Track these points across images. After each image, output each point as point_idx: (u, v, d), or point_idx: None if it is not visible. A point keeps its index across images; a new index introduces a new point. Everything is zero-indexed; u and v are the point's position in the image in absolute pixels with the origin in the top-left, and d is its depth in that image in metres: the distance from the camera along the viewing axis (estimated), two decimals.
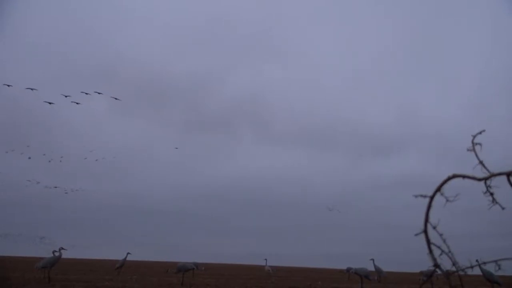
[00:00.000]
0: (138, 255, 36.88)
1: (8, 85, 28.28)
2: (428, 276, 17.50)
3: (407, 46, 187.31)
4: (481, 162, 2.53)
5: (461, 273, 2.41)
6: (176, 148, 33.40)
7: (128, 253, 25.13)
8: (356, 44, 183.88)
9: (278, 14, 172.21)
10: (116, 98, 30.63)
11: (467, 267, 2.41)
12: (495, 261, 2.41)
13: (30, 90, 28.39)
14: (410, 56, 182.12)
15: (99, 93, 29.27)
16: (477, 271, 3.09)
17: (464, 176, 2.34)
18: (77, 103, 30.20)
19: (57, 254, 18.04)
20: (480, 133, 2.69)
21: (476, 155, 2.58)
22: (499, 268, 2.39)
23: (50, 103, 29.86)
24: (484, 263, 2.51)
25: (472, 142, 2.64)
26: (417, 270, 27.02)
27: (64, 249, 18.29)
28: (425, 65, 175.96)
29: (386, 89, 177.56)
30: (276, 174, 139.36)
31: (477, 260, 2.54)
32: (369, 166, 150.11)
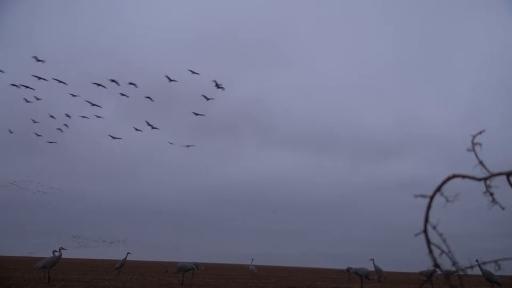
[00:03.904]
0: (138, 255, 36.91)
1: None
2: (428, 276, 17.52)
3: (407, 51, 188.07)
4: (481, 162, 2.53)
5: (461, 273, 2.41)
6: (171, 143, 33.30)
7: (128, 253, 25.15)
8: (357, 50, 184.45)
9: (282, 22, 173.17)
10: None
11: (467, 267, 2.41)
12: (495, 261, 2.41)
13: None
14: (410, 61, 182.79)
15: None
16: (477, 271, 3.09)
17: (464, 176, 2.34)
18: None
19: (57, 254, 18.03)
20: (480, 133, 2.69)
21: (476, 155, 2.58)
22: (499, 268, 2.39)
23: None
24: (484, 263, 2.51)
25: (472, 142, 2.64)
26: (417, 270, 27.04)
27: (64, 249, 18.28)
28: (424, 69, 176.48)
29: (386, 93, 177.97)
30: (278, 176, 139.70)
31: (477, 260, 2.54)
32: (369, 168, 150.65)
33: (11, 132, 32.67)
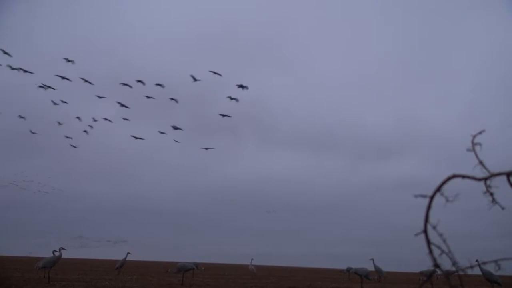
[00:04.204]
0: (138, 255, 36.89)
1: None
2: (428, 276, 17.52)
3: (406, 51, 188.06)
4: (481, 162, 2.53)
5: (461, 273, 2.41)
6: (177, 141, 33.25)
7: (128, 253, 25.15)
8: (357, 50, 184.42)
9: (282, 22, 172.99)
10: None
11: (467, 267, 2.41)
12: (495, 261, 2.40)
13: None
14: (410, 61, 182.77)
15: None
16: (477, 271, 3.09)
17: (464, 176, 2.34)
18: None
19: (57, 254, 18.03)
20: (480, 133, 2.69)
21: (476, 155, 2.58)
22: (499, 268, 2.39)
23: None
24: (484, 263, 2.51)
25: (472, 142, 2.64)
26: (417, 270, 27.04)
27: (64, 249, 18.28)
28: (424, 69, 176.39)
29: (386, 93, 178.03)
30: (278, 176, 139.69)
31: (477, 260, 2.54)
32: (369, 168, 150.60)
33: (33, 133, 32.22)
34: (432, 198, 2.32)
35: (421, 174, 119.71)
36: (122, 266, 25.49)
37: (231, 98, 28.81)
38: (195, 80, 28.71)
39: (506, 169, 2.31)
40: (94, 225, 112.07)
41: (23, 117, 31.02)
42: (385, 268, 25.97)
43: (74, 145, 34.84)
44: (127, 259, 25.30)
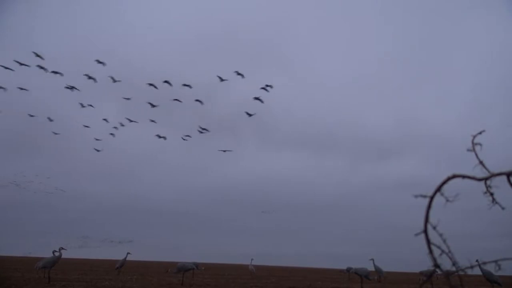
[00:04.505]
0: (138, 255, 36.89)
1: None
2: (428, 276, 17.52)
3: (406, 52, 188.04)
4: (481, 162, 2.53)
5: (461, 273, 2.41)
6: (184, 139, 33.19)
7: (128, 253, 25.16)
8: (357, 50, 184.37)
9: (282, 22, 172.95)
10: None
11: (467, 267, 2.41)
12: (495, 261, 2.40)
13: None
14: (410, 61, 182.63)
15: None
16: (477, 271, 3.09)
17: (464, 176, 2.34)
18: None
19: (57, 254, 18.03)
20: (480, 133, 2.69)
21: (476, 155, 2.59)
22: (499, 268, 2.39)
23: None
24: (484, 263, 2.51)
25: (472, 142, 2.64)
26: (417, 270, 27.05)
27: (64, 249, 18.28)
28: (424, 69, 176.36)
29: (386, 94, 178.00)
30: (279, 176, 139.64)
31: (477, 260, 2.53)
32: (369, 168, 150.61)
33: (51, 120, 31.77)
34: (432, 198, 2.32)
35: (421, 174, 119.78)
36: (122, 266, 25.49)
37: (256, 98, 28.83)
38: (222, 80, 28.61)
39: (506, 169, 2.31)
40: (94, 225, 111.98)
41: (51, 120, 30.91)
42: (385, 268, 25.97)
43: (98, 149, 34.76)
44: (127, 259, 25.31)
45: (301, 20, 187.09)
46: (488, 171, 2.44)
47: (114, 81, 28.78)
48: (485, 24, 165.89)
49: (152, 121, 32.36)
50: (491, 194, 2.49)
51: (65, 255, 18.52)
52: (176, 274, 22.05)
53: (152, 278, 24.13)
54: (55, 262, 18.03)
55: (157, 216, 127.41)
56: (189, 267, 20.37)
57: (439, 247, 2.32)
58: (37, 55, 26.10)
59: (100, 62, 28.10)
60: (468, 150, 2.63)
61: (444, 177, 2.34)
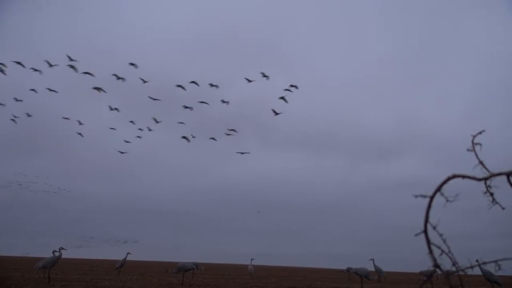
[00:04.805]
0: (138, 255, 36.89)
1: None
2: (428, 276, 17.51)
3: (406, 52, 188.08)
4: (481, 162, 2.53)
5: (461, 273, 2.41)
6: (194, 136, 33.10)
7: (128, 253, 25.16)
8: (357, 50, 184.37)
9: (282, 22, 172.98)
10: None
11: (467, 267, 2.41)
12: (495, 261, 2.40)
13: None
14: (409, 61, 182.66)
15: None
16: (477, 271, 3.09)
17: (464, 176, 2.34)
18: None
19: (57, 254, 18.03)
20: (480, 133, 2.69)
21: (476, 155, 2.59)
22: (499, 268, 2.39)
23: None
24: (484, 263, 2.51)
25: (472, 142, 2.64)
26: (417, 270, 27.05)
27: (64, 249, 18.28)
28: (424, 70, 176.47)
29: (386, 94, 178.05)
30: (279, 177, 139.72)
31: (477, 260, 2.53)
32: (369, 168, 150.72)
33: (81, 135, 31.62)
34: (432, 198, 2.32)
35: (421, 174, 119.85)
36: (122, 266, 25.49)
37: (281, 98, 28.86)
38: (249, 81, 28.54)
39: (506, 169, 2.31)
40: (95, 225, 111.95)
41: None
42: (385, 268, 25.97)
43: (123, 151, 34.74)
44: (127, 259, 25.31)
45: (301, 20, 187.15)
46: (488, 171, 2.44)
47: (144, 81, 28.52)
48: (485, 24, 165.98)
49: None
50: (491, 194, 2.49)
51: (65, 255, 18.52)
52: (176, 274, 22.05)
53: (152, 278, 24.12)
54: (55, 262, 18.03)
55: (157, 216, 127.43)
56: (189, 267, 20.37)
57: (439, 247, 2.32)
58: (71, 59, 26.20)
59: (132, 64, 27.94)
60: (468, 150, 2.63)
61: (444, 177, 2.34)
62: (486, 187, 2.45)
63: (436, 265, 2.31)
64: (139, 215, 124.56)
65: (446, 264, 2.32)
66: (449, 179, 2.34)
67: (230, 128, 31.35)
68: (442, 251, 2.32)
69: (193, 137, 32.09)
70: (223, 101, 30.57)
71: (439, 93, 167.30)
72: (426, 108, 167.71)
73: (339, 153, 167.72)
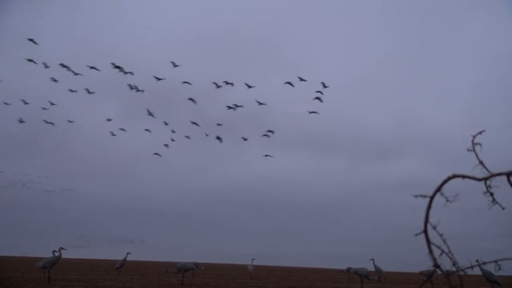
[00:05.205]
0: (138, 255, 36.90)
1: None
2: (428, 276, 17.51)
3: (406, 52, 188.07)
4: (481, 162, 2.53)
5: (461, 273, 2.41)
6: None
7: (128, 253, 25.16)
8: (357, 50, 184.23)
9: (282, 22, 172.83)
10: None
11: (467, 267, 2.41)
12: (495, 261, 2.40)
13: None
14: (409, 61, 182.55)
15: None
16: (477, 271, 3.09)
17: (464, 176, 2.34)
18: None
19: (57, 254, 18.03)
20: (480, 133, 2.69)
21: (476, 155, 2.59)
22: (499, 268, 2.39)
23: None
24: (484, 263, 2.51)
25: (472, 142, 2.64)
26: (417, 270, 27.04)
27: (64, 249, 18.28)
28: (424, 70, 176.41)
29: (386, 94, 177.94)
30: (279, 177, 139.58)
31: (477, 260, 2.53)
32: (369, 168, 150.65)
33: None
34: (432, 198, 2.32)
35: (421, 174, 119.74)
36: (122, 266, 25.49)
37: (316, 98, 29.08)
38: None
39: (506, 169, 2.31)
40: (94, 225, 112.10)
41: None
42: (385, 268, 25.97)
43: (159, 154, 34.84)
44: (127, 259, 25.31)
45: (301, 20, 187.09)
46: (488, 171, 2.44)
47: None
48: (485, 24, 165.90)
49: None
50: (491, 194, 2.49)
51: (65, 255, 18.52)
52: (176, 274, 22.05)
53: (152, 278, 24.12)
54: (55, 262, 18.03)
55: (157, 216, 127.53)
56: (189, 267, 20.36)
57: (439, 247, 2.32)
58: (117, 66, 26.21)
59: (176, 66, 27.82)
60: (468, 150, 2.63)
61: (444, 177, 2.34)
62: (486, 187, 2.45)
63: (436, 265, 2.31)
64: (139, 215, 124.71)
65: (446, 264, 2.32)
66: (449, 179, 2.34)
67: (269, 130, 31.45)
68: (442, 251, 2.32)
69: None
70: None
71: (439, 93, 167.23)
72: (426, 108, 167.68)
73: (339, 153, 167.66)
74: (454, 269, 2.36)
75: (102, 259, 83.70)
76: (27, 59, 25.89)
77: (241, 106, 29.78)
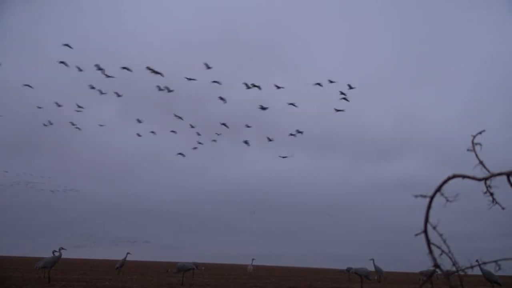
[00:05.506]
0: (138, 255, 36.90)
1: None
2: (428, 276, 17.52)
3: (406, 52, 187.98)
4: (481, 162, 2.53)
5: (461, 273, 2.41)
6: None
7: (128, 253, 25.16)
8: (357, 50, 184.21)
9: (282, 22, 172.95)
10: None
11: (467, 267, 2.41)
12: (495, 261, 2.40)
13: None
14: (410, 61, 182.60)
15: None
16: (477, 271, 3.09)
17: (464, 176, 2.34)
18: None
19: (57, 254, 18.03)
20: (480, 133, 2.69)
21: (476, 155, 2.59)
22: (499, 268, 2.39)
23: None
24: (484, 263, 2.51)
25: (472, 142, 2.64)
26: (417, 270, 27.04)
27: (64, 249, 18.28)
28: (424, 70, 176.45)
29: (386, 94, 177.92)
30: (279, 177, 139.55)
31: (477, 260, 2.53)
32: (369, 169, 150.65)
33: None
34: (432, 198, 2.32)
35: (421, 174, 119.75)
36: (122, 266, 25.49)
37: (343, 99, 29.31)
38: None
39: (506, 169, 2.31)
40: (95, 225, 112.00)
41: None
42: (385, 268, 25.96)
43: (183, 154, 34.85)
44: (127, 259, 25.31)
45: (301, 20, 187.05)
46: (488, 171, 2.44)
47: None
48: (485, 24, 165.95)
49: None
50: (491, 194, 2.49)
51: (65, 255, 18.51)
52: (176, 274, 22.04)
53: (152, 278, 24.12)
54: (55, 262, 18.03)
55: (157, 216, 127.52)
56: (189, 267, 20.36)
57: (439, 247, 2.32)
58: (156, 72, 26.19)
59: (209, 67, 27.57)
60: (468, 150, 2.63)
61: (444, 177, 2.34)
62: (486, 187, 2.45)
63: (436, 265, 2.31)
64: (139, 215, 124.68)
65: (446, 264, 2.32)
66: (449, 179, 2.34)
67: (299, 130, 31.68)
68: (442, 251, 2.32)
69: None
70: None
71: (439, 93, 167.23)
72: (426, 108, 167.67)
73: (339, 153, 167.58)
74: (454, 269, 2.36)
75: (102, 259, 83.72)
76: (59, 62, 25.93)
77: (267, 108, 29.98)
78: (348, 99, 28.98)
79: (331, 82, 28.52)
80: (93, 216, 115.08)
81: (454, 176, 2.33)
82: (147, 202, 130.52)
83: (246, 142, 32.14)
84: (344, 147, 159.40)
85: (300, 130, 31.40)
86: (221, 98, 29.25)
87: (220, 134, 32.08)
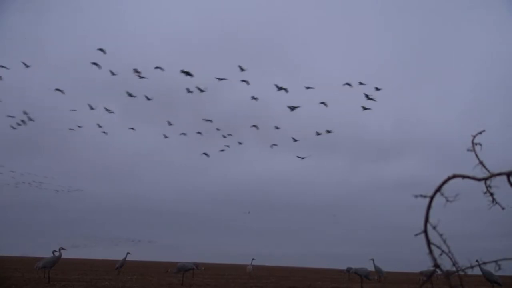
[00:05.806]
0: (138, 255, 36.90)
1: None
2: (428, 276, 17.53)
3: (406, 52, 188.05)
4: (481, 162, 2.53)
5: (461, 273, 2.41)
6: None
7: (128, 253, 25.16)
8: (357, 50, 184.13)
9: (282, 22, 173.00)
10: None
11: (467, 267, 2.41)
12: (495, 261, 2.40)
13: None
14: (410, 61, 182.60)
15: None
16: (477, 271, 3.09)
17: (464, 176, 2.34)
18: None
19: (57, 254, 18.03)
20: (480, 133, 2.69)
21: (476, 155, 2.59)
22: (499, 268, 2.39)
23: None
24: (484, 263, 2.51)
25: (472, 142, 2.64)
26: (417, 270, 27.04)
27: (64, 249, 18.28)
28: (424, 70, 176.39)
29: (386, 94, 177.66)
30: (279, 177, 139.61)
31: (477, 260, 2.53)
32: (369, 169, 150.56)
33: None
34: (432, 198, 2.32)
35: (421, 174, 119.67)
36: (122, 266, 25.49)
37: (370, 99, 29.40)
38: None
39: (506, 169, 2.31)
40: (95, 225, 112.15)
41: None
42: (385, 268, 25.96)
43: (208, 154, 34.94)
44: (127, 259, 25.31)
45: (301, 20, 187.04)
46: (488, 171, 2.44)
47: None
48: (485, 24, 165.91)
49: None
50: (491, 194, 2.49)
51: (65, 255, 18.52)
52: (176, 274, 22.04)
53: (152, 278, 24.12)
54: (55, 262, 18.03)
55: (157, 216, 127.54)
56: (189, 267, 20.36)
57: (439, 247, 2.32)
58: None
59: (243, 70, 27.65)
60: (468, 150, 2.63)
61: (444, 177, 2.34)
62: (486, 187, 2.45)
63: (436, 265, 2.31)
64: (139, 215, 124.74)
65: (446, 264, 2.32)
66: (449, 179, 2.34)
67: (328, 130, 31.78)
68: (442, 251, 2.32)
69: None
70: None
71: (439, 93, 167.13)
72: (426, 108, 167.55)
73: (339, 153, 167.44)
74: (454, 269, 2.36)
75: (102, 259, 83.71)
76: (91, 63, 26.04)
77: (298, 107, 30.06)
78: (374, 99, 29.10)
79: (360, 84, 28.72)
80: (93, 216, 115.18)
81: (454, 176, 2.34)
82: (147, 202, 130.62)
83: (273, 145, 32.33)
84: (344, 147, 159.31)
85: (330, 130, 31.49)
86: (254, 98, 29.30)
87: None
